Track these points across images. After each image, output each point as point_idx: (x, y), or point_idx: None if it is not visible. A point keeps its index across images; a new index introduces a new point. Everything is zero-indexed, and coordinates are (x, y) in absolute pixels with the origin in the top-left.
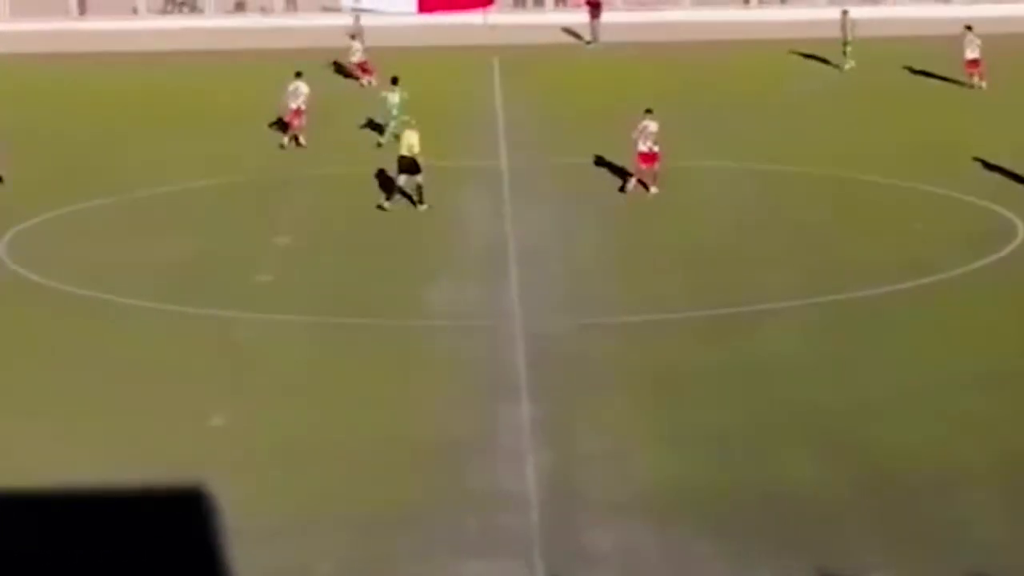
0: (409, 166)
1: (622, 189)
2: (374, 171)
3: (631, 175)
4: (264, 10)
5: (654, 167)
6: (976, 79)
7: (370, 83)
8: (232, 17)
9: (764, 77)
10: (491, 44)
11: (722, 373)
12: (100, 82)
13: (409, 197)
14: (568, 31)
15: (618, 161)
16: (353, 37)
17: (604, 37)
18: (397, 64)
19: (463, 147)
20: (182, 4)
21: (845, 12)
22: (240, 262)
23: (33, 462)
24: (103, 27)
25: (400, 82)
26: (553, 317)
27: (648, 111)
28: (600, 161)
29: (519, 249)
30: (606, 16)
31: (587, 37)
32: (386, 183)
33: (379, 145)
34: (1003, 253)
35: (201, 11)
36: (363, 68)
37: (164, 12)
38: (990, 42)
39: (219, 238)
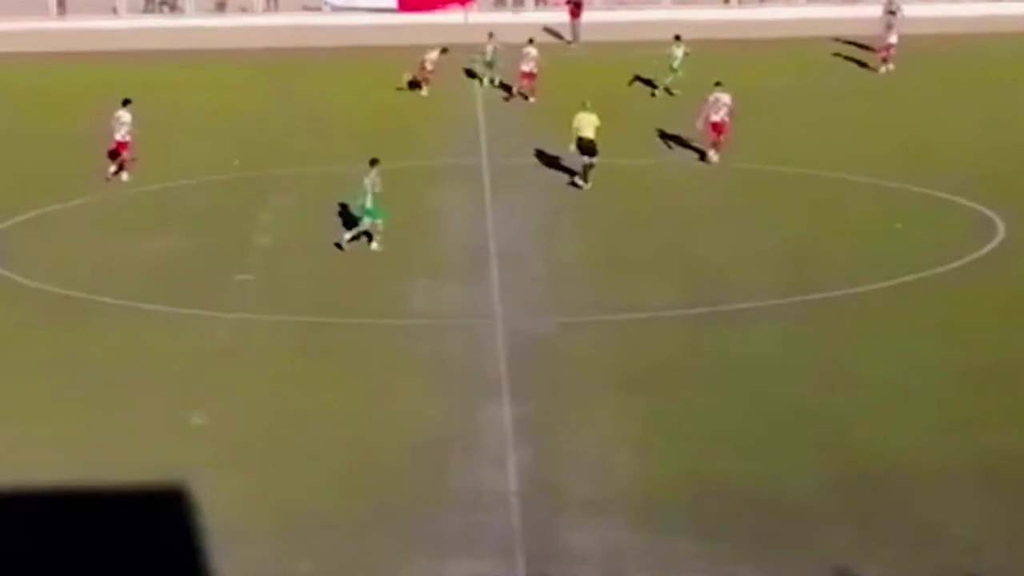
0: (589, 147)
1: (703, 159)
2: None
3: (705, 151)
4: (245, 10)
5: (719, 137)
6: (888, 64)
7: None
8: (213, 16)
9: (746, 76)
10: (472, 43)
11: (704, 372)
12: (80, 82)
13: (575, 172)
14: (549, 30)
15: (597, 159)
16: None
17: (585, 36)
18: (378, 63)
19: (444, 145)
20: (162, 4)
21: (893, 12)
22: (221, 261)
23: (13, 461)
24: (83, 26)
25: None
26: (534, 316)
27: (718, 83)
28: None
29: (500, 248)
30: (586, 15)
31: (568, 37)
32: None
33: (669, 93)
34: (983, 252)
35: (181, 11)
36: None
37: (144, 12)
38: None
39: (200, 237)
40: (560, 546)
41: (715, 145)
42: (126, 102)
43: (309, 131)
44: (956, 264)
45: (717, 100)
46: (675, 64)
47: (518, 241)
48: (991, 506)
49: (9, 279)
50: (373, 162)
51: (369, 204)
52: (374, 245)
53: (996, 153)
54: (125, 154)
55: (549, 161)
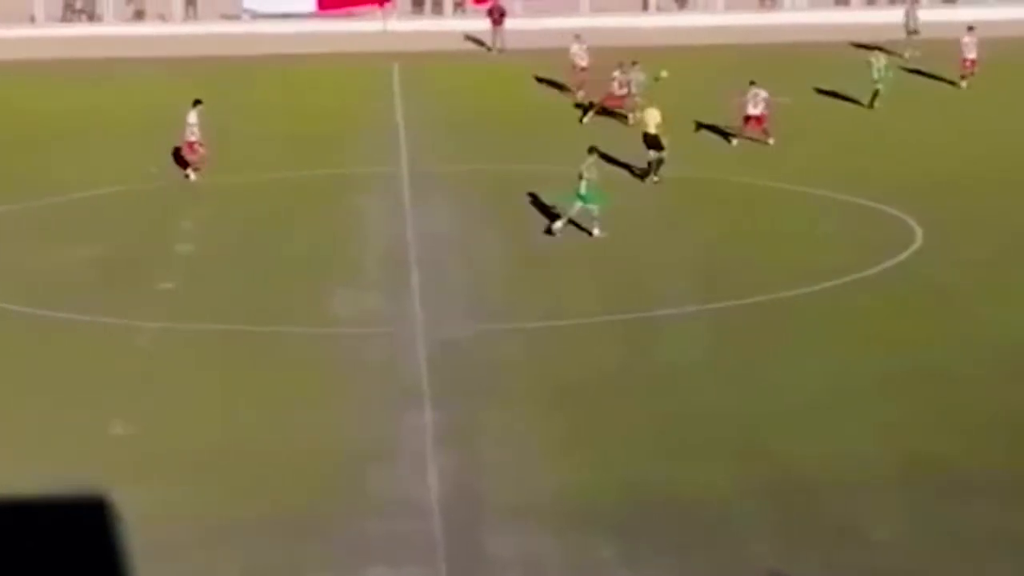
0: (653, 142)
1: (728, 139)
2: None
3: (732, 135)
4: (163, 18)
5: (762, 126)
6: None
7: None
8: (131, 25)
9: (665, 82)
10: (391, 51)
11: (625, 379)
12: None
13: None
14: (470, 38)
15: (518, 167)
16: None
17: (506, 44)
18: (295, 70)
19: (363, 153)
20: (80, 12)
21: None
22: (142, 270)
23: None
24: (0, 35)
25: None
26: (455, 323)
27: (752, 82)
28: (500, 167)
29: (420, 255)
30: (508, 23)
31: (489, 44)
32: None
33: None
34: (902, 257)
35: (100, 19)
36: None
37: (62, 20)
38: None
39: (121, 246)
40: (482, 553)
41: (765, 132)
42: (196, 103)
43: (229, 139)
44: (876, 269)
45: (756, 94)
46: (881, 73)
47: (438, 248)
48: (914, 510)
49: None
50: (591, 150)
51: (583, 190)
52: (596, 232)
53: (922, 161)
54: (189, 154)
55: (467, 168)
